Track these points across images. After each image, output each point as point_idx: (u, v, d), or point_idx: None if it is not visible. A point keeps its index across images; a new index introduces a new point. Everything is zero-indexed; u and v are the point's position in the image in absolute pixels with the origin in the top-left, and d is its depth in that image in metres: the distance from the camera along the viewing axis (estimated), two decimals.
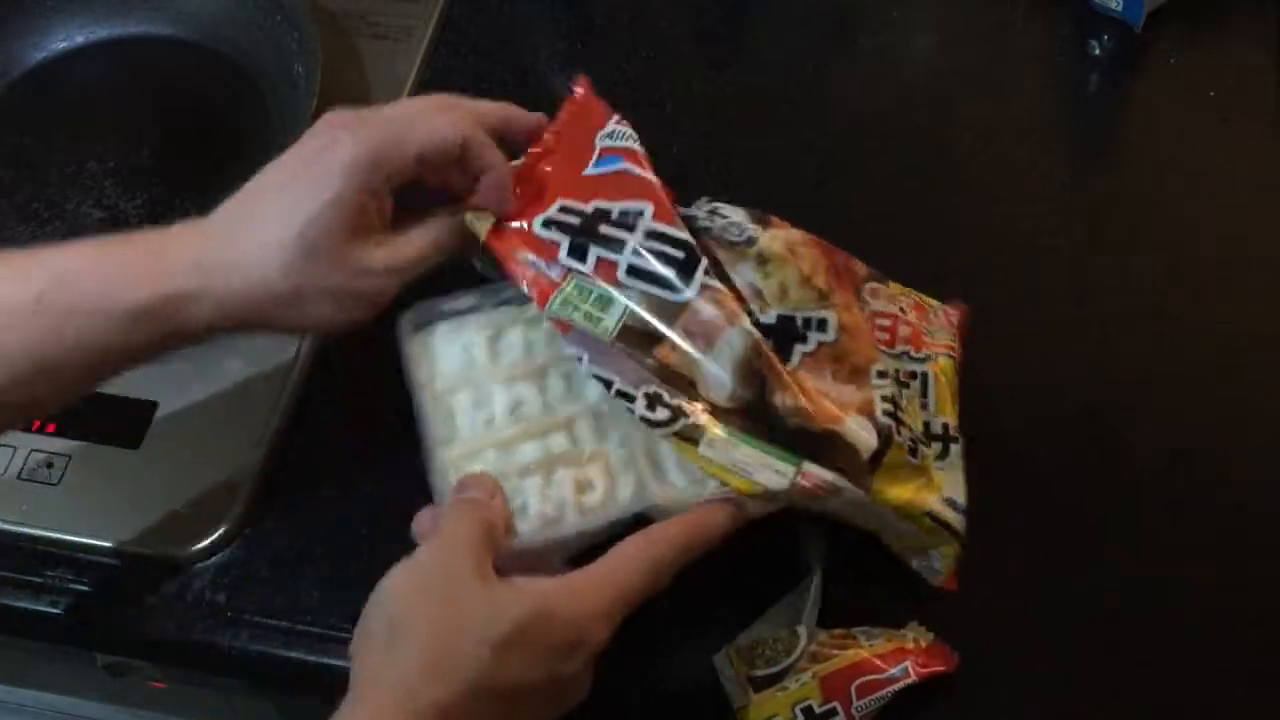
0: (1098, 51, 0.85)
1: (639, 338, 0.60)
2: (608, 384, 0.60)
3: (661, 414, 0.59)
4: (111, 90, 0.89)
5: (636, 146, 0.65)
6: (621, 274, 0.61)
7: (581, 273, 0.62)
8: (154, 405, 0.72)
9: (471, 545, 0.55)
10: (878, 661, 0.59)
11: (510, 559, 0.57)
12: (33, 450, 0.71)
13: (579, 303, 0.61)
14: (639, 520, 0.59)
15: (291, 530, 0.69)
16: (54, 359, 0.58)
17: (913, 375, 0.63)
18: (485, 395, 0.63)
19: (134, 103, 0.88)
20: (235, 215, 0.61)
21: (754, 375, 0.60)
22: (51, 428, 0.72)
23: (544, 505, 0.59)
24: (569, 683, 0.55)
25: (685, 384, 0.60)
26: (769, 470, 0.58)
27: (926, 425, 0.63)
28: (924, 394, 0.63)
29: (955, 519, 0.62)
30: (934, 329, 0.66)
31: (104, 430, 0.71)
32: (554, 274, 0.62)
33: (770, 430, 0.59)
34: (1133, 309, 0.74)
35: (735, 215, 0.64)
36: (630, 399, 0.59)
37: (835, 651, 0.60)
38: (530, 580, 0.55)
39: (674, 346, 0.60)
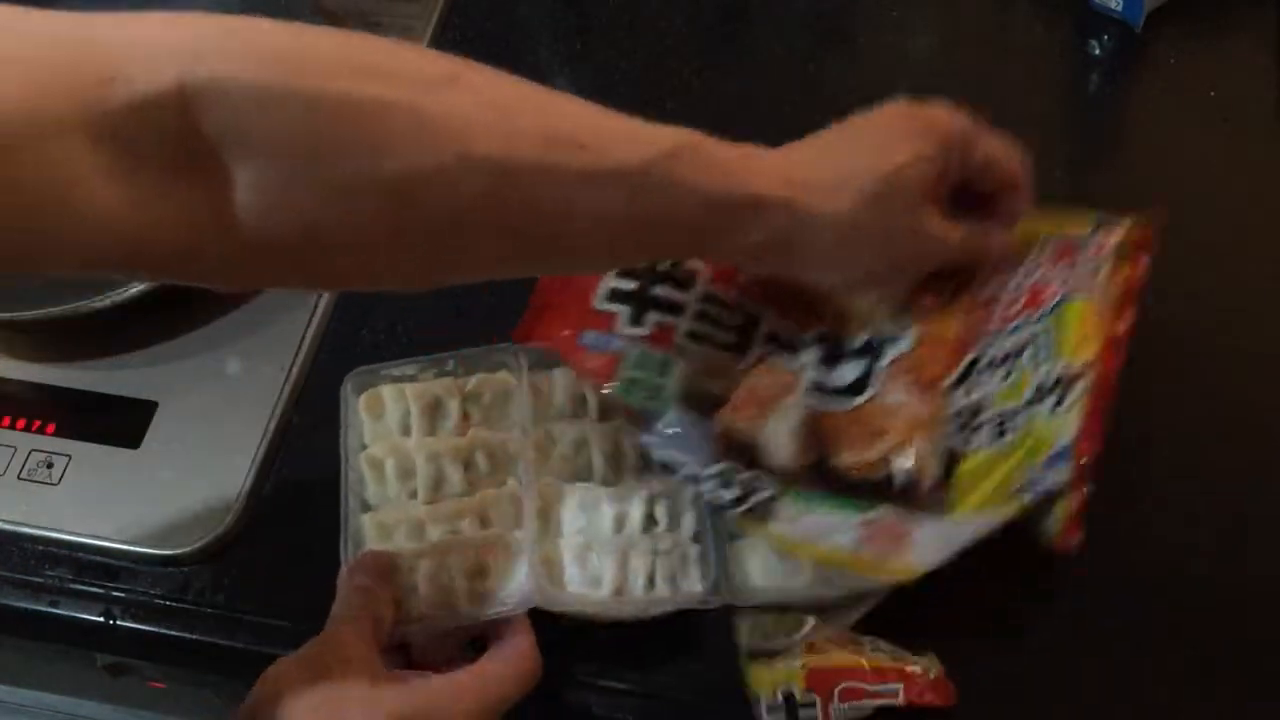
0: (1098, 51, 0.85)
1: (699, 400, 0.62)
2: (676, 468, 0.61)
3: (732, 493, 0.60)
4: None
5: None
6: (680, 338, 0.63)
7: (641, 338, 0.63)
8: (154, 405, 0.72)
9: (358, 638, 0.57)
10: (871, 673, 0.59)
11: (407, 638, 0.59)
12: (33, 450, 0.71)
13: (640, 374, 0.63)
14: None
15: (291, 530, 0.69)
16: (640, 230, 0.57)
17: (1030, 340, 0.62)
18: (411, 468, 0.63)
19: None
20: (820, 145, 0.62)
21: (813, 439, 0.62)
22: (51, 428, 0.72)
23: (432, 590, 0.60)
24: None
25: (747, 449, 0.61)
26: (836, 533, 0.60)
27: (1041, 384, 0.61)
28: (1044, 350, 0.62)
29: (1052, 478, 0.59)
30: (1079, 263, 0.64)
31: (104, 430, 0.71)
32: (614, 347, 0.63)
33: (836, 487, 0.61)
34: None
35: None
36: (699, 481, 0.61)
37: (834, 649, 0.60)
38: (414, 675, 0.57)
39: (735, 408, 0.62)
